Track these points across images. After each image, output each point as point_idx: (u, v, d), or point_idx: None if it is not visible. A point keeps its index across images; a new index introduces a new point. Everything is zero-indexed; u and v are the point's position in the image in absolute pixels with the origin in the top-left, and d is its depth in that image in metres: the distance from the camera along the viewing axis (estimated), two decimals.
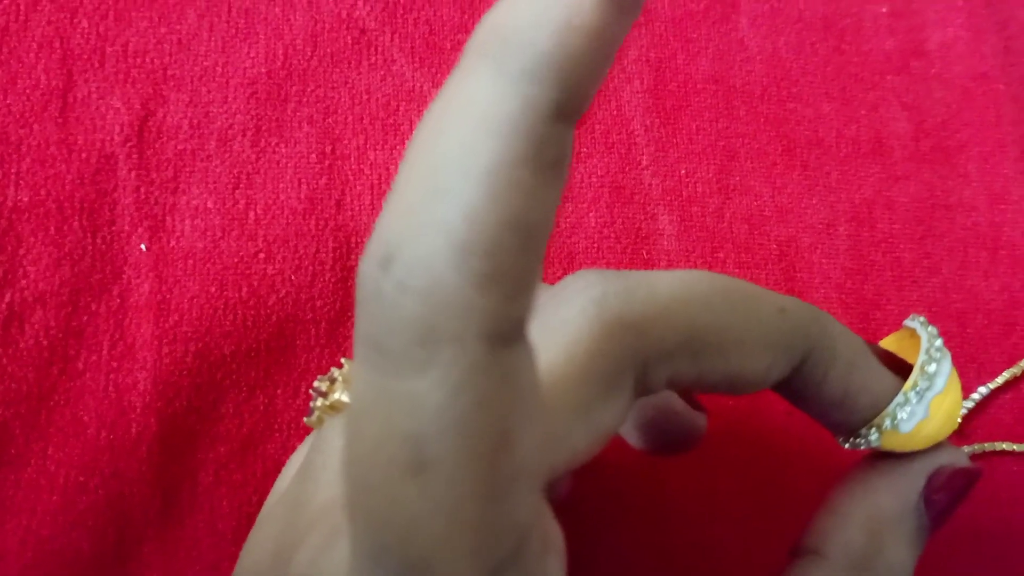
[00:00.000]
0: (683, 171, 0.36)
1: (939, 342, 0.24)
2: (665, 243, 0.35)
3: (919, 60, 0.38)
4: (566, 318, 0.21)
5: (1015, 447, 0.35)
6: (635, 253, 0.35)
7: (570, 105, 0.15)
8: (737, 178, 0.36)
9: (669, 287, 0.22)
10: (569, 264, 0.35)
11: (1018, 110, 0.37)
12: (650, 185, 0.35)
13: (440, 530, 0.15)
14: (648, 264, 0.35)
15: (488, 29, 0.15)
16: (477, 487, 0.15)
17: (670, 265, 0.35)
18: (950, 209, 0.37)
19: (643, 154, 0.36)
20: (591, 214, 0.35)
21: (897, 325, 0.35)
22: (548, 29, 0.15)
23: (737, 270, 0.35)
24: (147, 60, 0.34)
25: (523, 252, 0.15)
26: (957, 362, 0.35)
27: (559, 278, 0.34)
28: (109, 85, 0.34)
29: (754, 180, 0.36)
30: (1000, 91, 0.38)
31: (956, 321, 0.36)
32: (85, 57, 0.34)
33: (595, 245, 0.35)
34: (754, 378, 0.22)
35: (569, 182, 0.35)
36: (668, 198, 0.36)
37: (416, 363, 0.15)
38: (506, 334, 0.15)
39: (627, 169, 0.36)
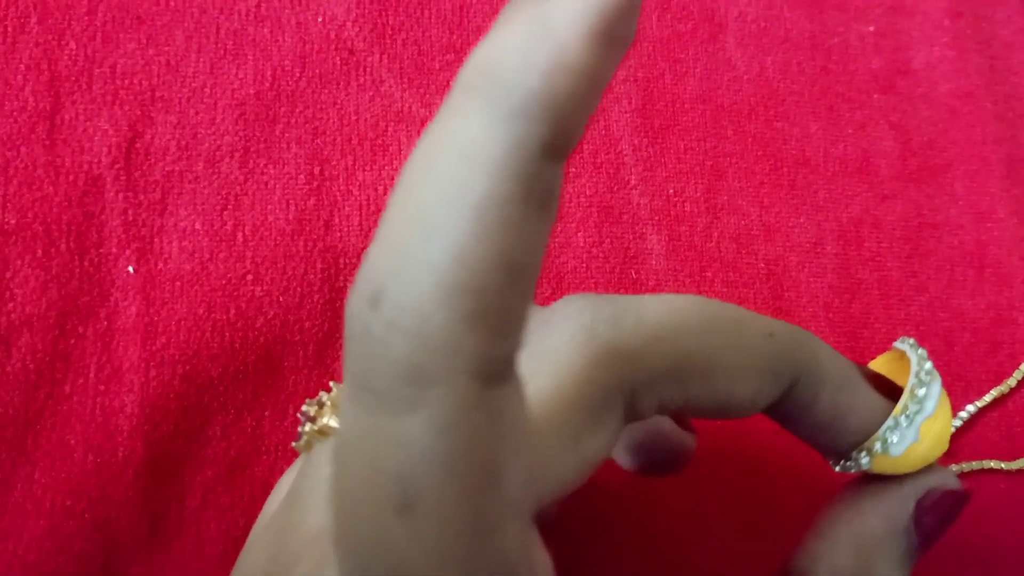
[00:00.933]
0: (671, 190, 0.36)
1: (928, 365, 0.24)
2: (653, 262, 0.35)
3: (905, 79, 0.38)
4: (555, 346, 0.21)
5: (1002, 465, 0.35)
6: (623, 273, 0.35)
7: (559, 143, 0.15)
8: (725, 197, 0.36)
9: (657, 314, 0.22)
10: (558, 284, 0.35)
11: (1003, 128, 0.38)
12: (638, 205, 0.36)
13: (428, 569, 0.15)
14: (637, 284, 0.35)
15: (477, 66, 0.15)
16: (465, 525, 0.15)
17: (658, 285, 0.35)
18: (937, 228, 0.37)
19: (631, 174, 0.36)
20: (579, 234, 0.35)
21: (885, 344, 0.35)
22: (537, 68, 0.14)
23: (725, 289, 0.35)
24: (135, 82, 0.34)
25: (512, 290, 0.15)
26: (944, 381, 0.35)
27: (547, 298, 0.34)
28: (97, 107, 0.34)
29: (742, 199, 0.36)
30: (986, 109, 0.38)
31: (943, 339, 0.36)
32: (73, 79, 0.34)
33: (584, 265, 0.35)
34: (743, 403, 0.22)
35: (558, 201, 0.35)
36: (656, 218, 0.36)
37: (404, 402, 0.15)
38: (495, 372, 0.15)
39: (615, 189, 0.36)
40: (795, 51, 0.38)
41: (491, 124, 0.15)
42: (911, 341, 0.25)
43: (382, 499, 0.15)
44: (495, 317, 0.15)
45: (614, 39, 0.15)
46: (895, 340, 0.36)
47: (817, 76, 0.38)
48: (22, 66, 0.34)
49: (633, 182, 0.36)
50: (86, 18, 0.35)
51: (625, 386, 0.21)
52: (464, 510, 0.15)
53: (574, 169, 0.36)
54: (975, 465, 0.35)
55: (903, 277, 0.36)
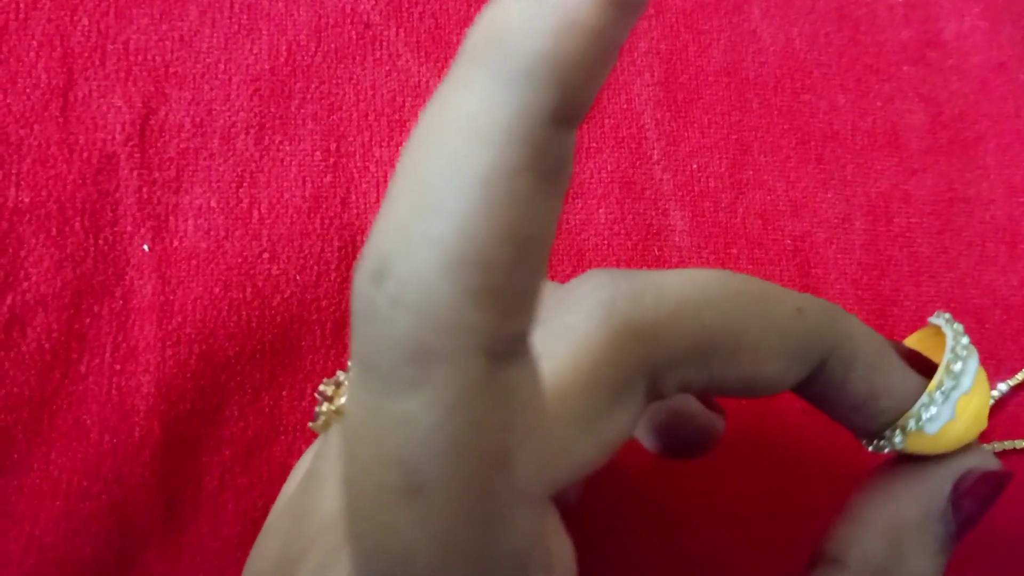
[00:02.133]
0: (695, 165, 0.35)
1: (965, 340, 0.24)
2: (677, 239, 0.34)
3: (935, 51, 0.37)
4: (573, 323, 0.20)
5: None
6: (646, 249, 0.34)
7: (569, 109, 0.14)
8: (750, 172, 0.35)
9: (680, 289, 0.21)
10: (579, 261, 0.34)
11: None
12: (661, 180, 0.35)
13: (434, 554, 0.15)
14: (659, 261, 0.34)
15: (481, 31, 0.15)
16: (472, 511, 0.15)
17: (682, 261, 0.34)
18: (968, 202, 0.36)
19: (654, 148, 0.35)
20: (601, 210, 0.34)
21: (915, 321, 0.35)
22: (544, 30, 0.14)
23: (750, 266, 0.35)
24: (149, 58, 0.34)
25: (522, 265, 0.14)
26: None
27: (568, 275, 0.34)
28: (110, 83, 0.33)
29: (767, 174, 0.35)
30: (1018, 82, 0.37)
31: (974, 317, 0.35)
32: (86, 55, 0.33)
33: (605, 241, 0.34)
34: (771, 382, 0.22)
35: (578, 177, 0.35)
36: (679, 193, 0.35)
37: (409, 382, 0.14)
38: (504, 351, 0.15)
39: (637, 164, 0.35)
40: (822, 22, 0.37)
41: (496, 91, 0.14)
42: (947, 316, 0.25)
43: (387, 483, 0.15)
44: (504, 293, 0.14)
45: (626, 1, 0.14)
46: (926, 317, 0.35)
47: (845, 47, 0.37)
48: (35, 43, 0.33)
49: (656, 157, 0.35)
50: None
51: (646, 365, 0.20)
52: (471, 495, 0.15)
53: (595, 144, 0.35)
54: (1007, 445, 0.34)
55: (933, 253, 0.35)
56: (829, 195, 0.36)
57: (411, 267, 0.14)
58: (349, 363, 0.25)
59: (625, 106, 0.35)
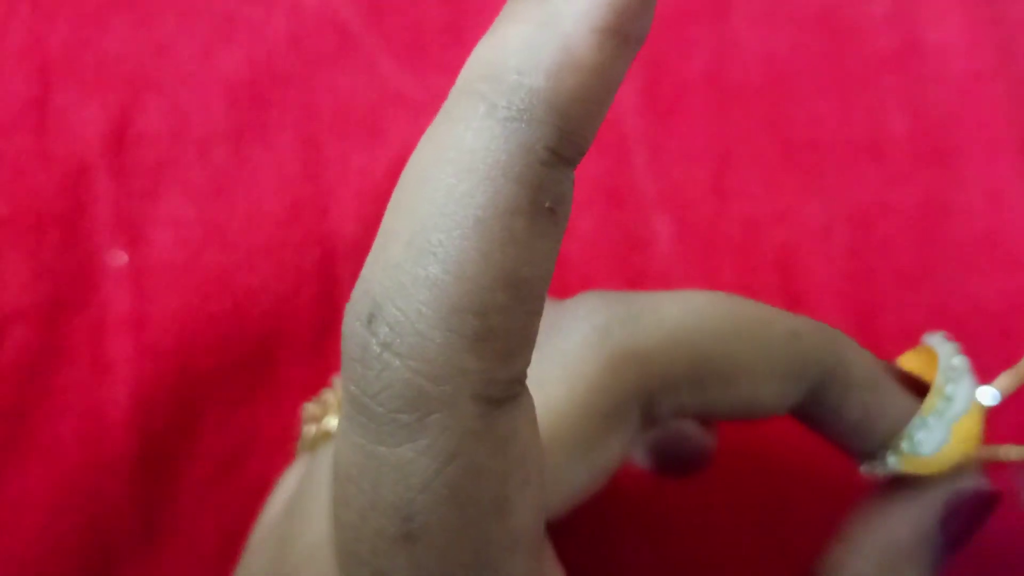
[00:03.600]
0: (678, 174, 0.35)
1: (957, 360, 0.24)
2: (660, 248, 0.34)
3: (916, 59, 0.37)
4: (567, 349, 0.20)
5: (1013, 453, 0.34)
6: (629, 259, 0.34)
7: (568, 148, 0.14)
8: (733, 181, 0.35)
9: (675, 314, 0.21)
10: (561, 271, 0.34)
11: (1016, 109, 0.37)
12: (644, 189, 0.35)
13: None
14: (643, 270, 0.34)
15: (477, 66, 0.14)
16: (469, 557, 0.15)
17: (665, 271, 0.34)
18: (949, 212, 0.36)
19: (637, 157, 0.35)
20: (584, 219, 0.34)
21: (897, 330, 0.35)
22: (542, 67, 0.14)
23: (733, 276, 0.34)
24: (126, 67, 0.33)
25: (518, 308, 0.14)
26: None
27: (552, 285, 0.34)
28: (87, 93, 0.33)
29: (750, 183, 0.35)
30: (999, 90, 0.37)
31: (955, 325, 0.35)
32: (63, 64, 0.33)
33: (588, 251, 0.34)
34: (766, 406, 0.22)
35: None
36: (662, 202, 0.35)
37: (404, 428, 0.14)
38: (501, 395, 0.15)
39: (620, 172, 0.35)
40: (804, 30, 0.37)
41: (493, 129, 0.14)
42: (941, 335, 0.25)
43: (383, 529, 0.15)
44: (500, 337, 0.14)
45: (627, 37, 0.14)
46: (908, 326, 0.35)
47: (827, 56, 0.37)
48: (12, 51, 0.33)
49: (639, 165, 0.35)
50: (76, 1, 0.34)
51: (641, 391, 0.20)
52: (468, 542, 0.15)
53: None
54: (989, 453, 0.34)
55: (915, 261, 0.35)
56: (811, 204, 0.35)
57: (404, 312, 0.14)
58: (334, 380, 0.25)
59: (608, 114, 0.35)
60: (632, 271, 0.34)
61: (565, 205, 0.15)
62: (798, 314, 0.22)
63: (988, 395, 0.24)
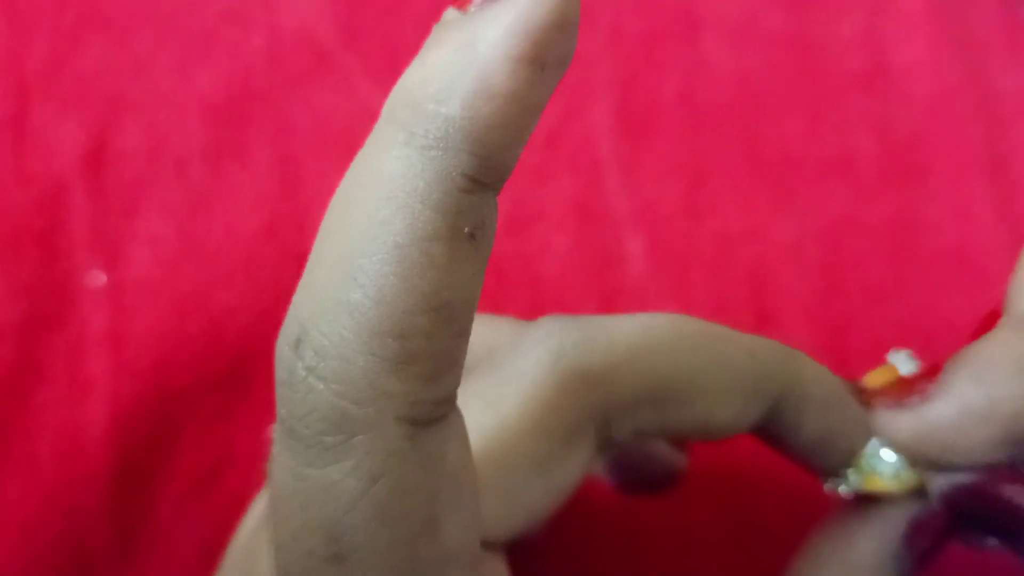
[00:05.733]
0: (651, 192, 0.35)
1: None
2: (633, 266, 0.35)
3: (884, 78, 0.37)
4: (522, 370, 0.20)
5: None
6: (602, 276, 0.34)
7: (486, 174, 0.14)
8: (705, 198, 0.36)
9: (630, 336, 0.21)
10: (536, 288, 0.34)
11: (983, 128, 0.37)
12: (617, 207, 0.35)
13: None
14: (617, 288, 0.34)
15: (401, 92, 0.15)
16: None
17: (639, 288, 0.34)
18: (917, 229, 0.36)
19: (610, 175, 0.35)
20: (558, 237, 0.35)
21: (867, 346, 0.35)
22: (459, 95, 0.14)
23: (706, 292, 0.35)
24: (103, 84, 0.34)
25: (441, 331, 0.14)
26: None
27: (525, 302, 0.34)
28: (64, 110, 0.33)
29: (723, 201, 0.36)
30: (965, 109, 0.37)
31: (925, 341, 0.36)
32: (40, 82, 0.33)
33: (562, 268, 0.34)
34: (724, 427, 0.22)
35: (535, 204, 0.35)
36: (636, 220, 0.35)
37: (330, 450, 0.14)
38: (426, 416, 0.15)
39: (594, 191, 0.35)
40: (774, 50, 0.37)
41: (411, 157, 0.14)
42: (905, 353, 0.25)
43: (313, 550, 0.15)
44: (423, 360, 0.14)
45: (546, 63, 0.14)
46: (878, 341, 0.36)
47: (797, 75, 0.37)
48: None
49: (612, 184, 0.35)
50: (54, 19, 0.34)
51: (597, 411, 0.20)
52: (397, 561, 0.15)
53: (551, 171, 0.35)
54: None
55: (885, 278, 0.36)
56: (782, 220, 0.36)
57: (328, 336, 0.14)
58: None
59: (581, 133, 0.36)
60: (606, 288, 0.34)
61: (486, 229, 0.15)
62: (756, 335, 0.23)
63: None
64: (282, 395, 0.15)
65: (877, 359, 0.35)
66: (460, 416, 0.16)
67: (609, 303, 0.34)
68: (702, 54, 0.37)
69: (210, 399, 0.31)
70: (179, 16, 0.35)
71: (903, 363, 0.24)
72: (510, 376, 0.20)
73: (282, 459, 0.15)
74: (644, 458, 0.27)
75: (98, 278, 0.32)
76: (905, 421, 0.22)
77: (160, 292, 0.32)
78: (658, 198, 0.35)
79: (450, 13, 0.15)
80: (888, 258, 0.36)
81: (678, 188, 0.36)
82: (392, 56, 0.36)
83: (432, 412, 0.15)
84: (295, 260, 0.33)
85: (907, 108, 0.37)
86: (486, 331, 0.24)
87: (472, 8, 0.15)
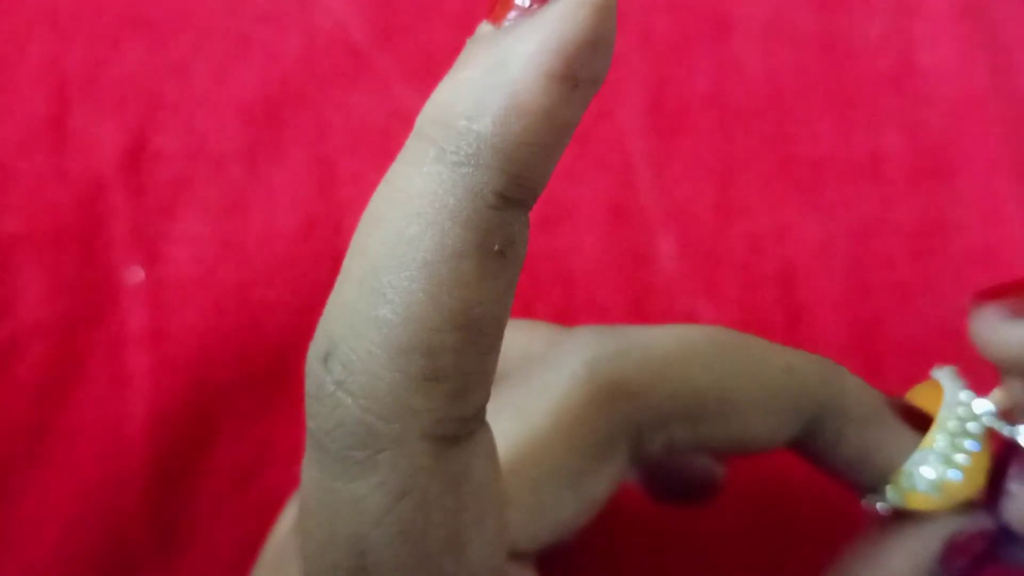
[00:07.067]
0: (682, 191, 0.36)
1: (964, 395, 0.23)
2: (664, 265, 0.35)
3: (911, 79, 0.38)
4: (555, 381, 0.20)
5: None
6: (634, 275, 0.35)
7: (517, 191, 0.14)
8: (736, 198, 0.36)
9: (666, 349, 0.21)
10: (568, 287, 0.35)
11: (1010, 129, 0.37)
12: (648, 207, 0.35)
13: None
14: (647, 286, 0.35)
15: (432, 108, 0.15)
16: None
17: (669, 287, 0.35)
18: (945, 229, 0.37)
19: (641, 176, 0.36)
20: (589, 236, 0.35)
21: (896, 346, 0.35)
22: (489, 112, 0.14)
23: (736, 291, 0.35)
24: (142, 86, 0.34)
25: (469, 349, 0.14)
26: None
27: (557, 301, 0.34)
28: (105, 111, 0.34)
29: (752, 200, 0.36)
30: (992, 110, 0.38)
31: (953, 340, 0.36)
32: (80, 83, 0.34)
33: (594, 267, 0.35)
34: (760, 442, 0.22)
35: (566, 203, 0.35)
36: (667, 219, 0.35)
37: (357, 465, 0.14)
38: (453, 433, 0.15)
39: (625, 191, 0.36)
40: (803, 51, 0.38)
41: (441, 174, 0.14)
42: (950, 369, 0.24)
43: (339, 563, 0.15)
44: (450, 377, 0.14)
45: (579, 80, 0.14)
46: (906, 340, 0.36)
47: (826, 77, 0.37)
48: (31, 71, 0.33)
49: (643, 183, 0.36)
50: (94, 22, 0.34)
51: (629, 426, 0.20)
52: None
53: (583, 170, 0.36)
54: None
55: (913, 278, 0.36)
56: (811, 220, 0.36)
57: (356, 351, 0.14)
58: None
59: (612, 134, 0.36)
60: (637, 287, 0.35)
61: (516, 247, 0.15)
62: (795, 348, 0.22)
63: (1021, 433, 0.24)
64: (311, 408, 0.15)
65: (906, 357, 0.36)
66: (489, 432, 0.16)
67: (639, 302, 0.35)
68: (732, 55, 0.37)
69: (249, 396, 0.32)
70: (216, 18, 0.35)
71: (948, 379, 0.24)
72: (544, 387, 0.20)
73: (311, 471, 0.15)
74: (680, 469, 0.27)
75: (137, 276, 0.32)
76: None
77: (199, 290, 0.32)
78: (689, 197, 0.36)
79: (484, 27, 0.15)
80: (916, 258, 0.36)
81: (708, 187, 0.36)
82: (426, 57, 0.36)
83: (459, 429, 0.15)
84: (332, 259, 0.33)
85: (935, 109, 0.37)
86: (522, 337, 0.24)
87: (506, 23, 0.14)
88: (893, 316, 0.36)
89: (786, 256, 0.36)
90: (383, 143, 0.35)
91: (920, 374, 0.35)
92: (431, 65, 0.36)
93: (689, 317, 0.35)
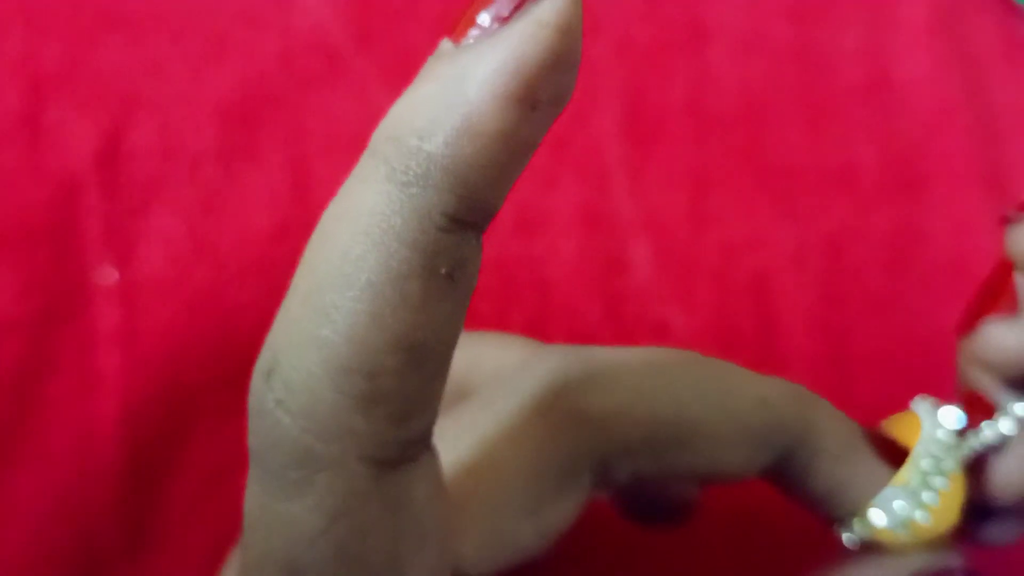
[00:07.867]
0: (657, 199, 0.36)
1: (942, 432, 0.23)
2: (638, 271, 0.35)
3: (885, 91, 0.38)
4: (519, 408, 0.20)
5: None
6: (608, 282, 0.35)
7: (469, 213, 0.14)
8: (710, 207, 0.36)
9: (635, 376, 0.20)
10: (542, 291, 0.35)
11: (981, 141, 0.38)
12: (623, 214, 0.36)
13: None
14: (621, 293, 0.35)
15: (387, 124, 0.14)
16: None
17: (643, 294, 0.35)
18: (917, 239, 0.37)
19: (617, 182, 0.36)
20: (565, 243, 0.35)
21: (866, 354, 0.36)
22: (443, 132, 0.13)
23: (710, 299, 0.35)
24: (118, 84, 0.34)
25: (412, 372, 0.14)
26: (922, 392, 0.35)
27: (532, 308, 0.34)
28: (80, 109, 0.33)
29: (726, 209, 0.36)
30: (964, 122, 0.38)
31: (923, 350, 0.36)
32: (56, 81, 0.33)
33: (569, 274, 0.35)
34: (729, 473, 0.21)
35: (542, 210, 0.35)
36: (642, 227, 0.36)
37: (293, 485, 0.14)
38: (393, 457, 0.14)
39: (600, 198, 0.36)
40: (779, 62, 0.38)
41: (391, 193, 0.14)
42: (930, 401, 0.24)
43: None
44: (392, 400, 0.14)
45: (537, 102, 0.14)
46: (877, 350, 0.36)
47: (801, 87, 0.38)
48: (6, 67, 0.33)
49: (618, 191, 0.36)
50: (71, 19, 0.34)
51: (592, 454, 0.20)
52: None
53: (558, 176, 0.36)
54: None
55: (884, 287, 0.36)
56: (785, 229, 0.36)
57: (297, 370, 0.14)
58: None
59: (589, 140, 0.36)
60: (611, 293, 0.35)
61: (467, 269, 0.14)
62: (771, 376, 0.22)
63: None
64: (252, 424, 0.15)
65: (877, 367, 0.36)
66: (434, 457, 0.16)
67: (614, 308, 0.35)
68: (708, 64, 0.38)
69: (221, 396, 0.32)
70: (194, 17, 0.35)
71: (926, 412, 0.24)
72: (507, 413, 0.20)
73: (252, 486, 0.15)
74: (653, 490, 0.26)
75: (110, 275, 0.32)
76: (1017, 335, 0.21)
77: (172, 290, 0.32)
78: (664, 205, 0.36)
79: (445, 44, 0.15)
80: (888, 267, 0.37)
81: (683, 196, 0.36)
82: (404, 60, 0.36)
83: (400, 453, 0.15)
84: None
85: (908, 121, 0.38)
86: (495, 351, 0.24)
87: (466, 41, 0.14)
88: (864, 325, 0.36)
89: (759, 265, 0.36)
90: (360, 146, 0.35)
91: (890, 383, 0.35)
92: (409, 68, 0.36)
93: (662, 324, 0.35)
